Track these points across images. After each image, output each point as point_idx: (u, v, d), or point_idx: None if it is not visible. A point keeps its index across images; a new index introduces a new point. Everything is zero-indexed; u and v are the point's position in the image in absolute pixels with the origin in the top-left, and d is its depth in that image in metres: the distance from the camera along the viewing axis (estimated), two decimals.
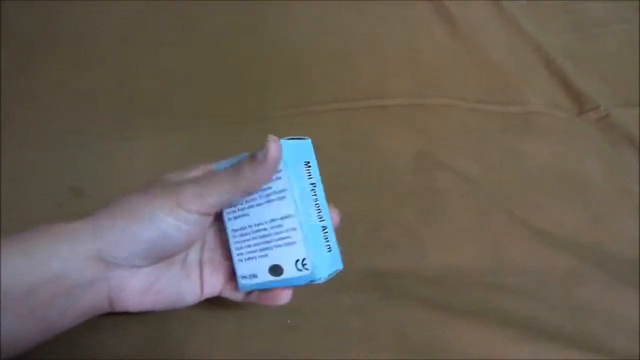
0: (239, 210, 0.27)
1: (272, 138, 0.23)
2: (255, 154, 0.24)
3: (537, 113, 0.45)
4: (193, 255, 0.28)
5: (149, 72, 0.45)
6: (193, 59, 0.46)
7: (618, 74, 0.48)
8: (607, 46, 0.50)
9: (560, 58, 0.48)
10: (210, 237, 0.29)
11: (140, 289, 0.25)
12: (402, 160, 0.41)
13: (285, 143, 0.25)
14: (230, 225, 0.28)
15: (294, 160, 0.26)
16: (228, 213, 0.27)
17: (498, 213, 0.39)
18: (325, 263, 0.26)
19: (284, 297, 0.27)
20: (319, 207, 0.26)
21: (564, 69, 0.48)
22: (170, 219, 0.24)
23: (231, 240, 0.28)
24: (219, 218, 0.28)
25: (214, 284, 0.28)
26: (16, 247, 0.22)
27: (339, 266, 0.27)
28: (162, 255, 0.25)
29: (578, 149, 0.43)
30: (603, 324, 0.34)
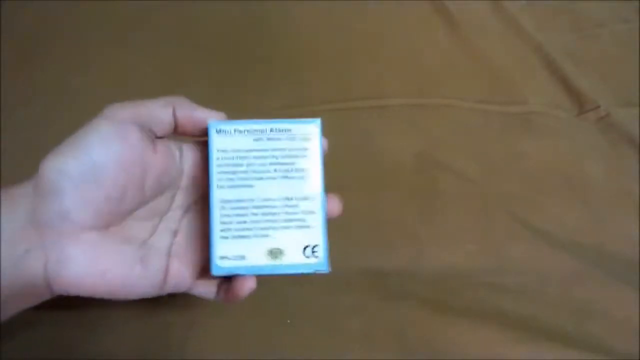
0: (239, 179, 0.24)
1: (219, 115, 0.25)
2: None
3: (537, 113, 0.45)
4: (161, 239, 0.25)
5: (149, 72, 0.45)
6: (193, 59, 0.46)
7: (618, 74, 0.48)
8: (607, 46, 0.50)
9: (560, 58, 0.48)
10: (188, 223, 0.26)
11: (82, 266, 0.21)
12: (402, 160, 0.41)
13: (318, 122, 0.25)
14: (220, 195, 0.24)
15: (322, 141, 0.25)
16: (221, 179, 0.24)
17: (498, 213, 0.39)
18: (327, 255, 0.25)
19: (249, 283, 0.24)
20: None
21: (564, 69, 0.48)
22: (94, 135, 0.21)
23: (216, 213, 0.24)
24: (202, 202, 0.26)
25: (182, 278, 0.25)
26: None
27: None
28: (99, 197, 0.21)
29: (578, 149, 0.43)
30: (603, 324, 0.34)
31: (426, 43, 0.49)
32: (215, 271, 0.24)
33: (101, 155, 0.21)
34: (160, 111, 0.24)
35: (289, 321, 0.33)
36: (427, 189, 0.40)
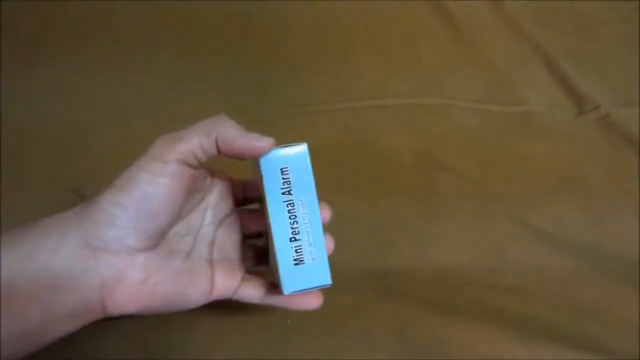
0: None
1: (270, 141, 0.25)
2: (252, 133, 0.25)
3: (537, 113, 0.45)
4: (200, 251, 0.28)
5: (149, 72, 0.45)
6: (193, 59, 0.46)
7: (618, 74, 0.48)
8: (607, 46, 0.50)
9: (560, 58, 0.48)
10: (223, 234, 0.29)
11: (136, 281, 0.24)
12: (402, 161, 0.41)
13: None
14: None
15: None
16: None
17: (498, 213, 0.39)
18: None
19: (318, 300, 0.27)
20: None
21: (564, 69, 0.48)
22: (145, 174, 0.23)
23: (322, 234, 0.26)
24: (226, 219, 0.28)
25: (227, 284, 0.27)
26: (3, 241, 0.21)
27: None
28: (151, 225, 0.24)
29: (578, 149, 0.43)
30: (603, 324, 0.34)
31: (426, 43, 0.49)
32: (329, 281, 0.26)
33: (151, 191, 0.23)
34: (203, 142, 0.24)
35: (289, 321, 0.33)
36: (427, 189, 0.40)
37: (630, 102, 0.46)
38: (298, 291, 0.25)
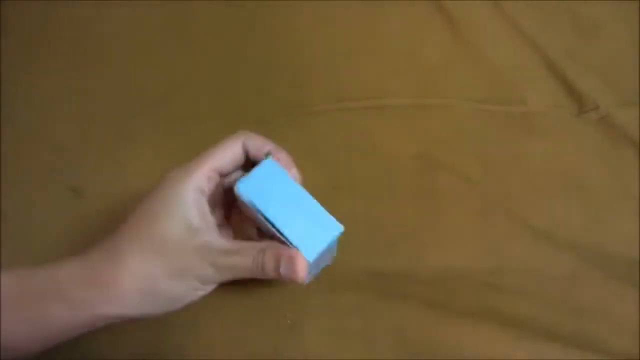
0: None
1: (300, 258, 0.25)
2: (281, 264, 0.26)
3: (537, 113, 0.45)
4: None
5: (149, 72, 0.45)
6: (193, 59, 0.46)
7: (618, 74, 0.48)
8: (607, 46, 0.50)
9: (560, 58, 0.48)
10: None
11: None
12: (402, 160, 0.41)
13: None
14: None
15: None
16: None
17: (498, 213, 0.39)
18: None
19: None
20: None
21: (564, 69, 0.47)
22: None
23: None
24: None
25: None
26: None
27: None
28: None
29: (578, 149, 0.43)
30: (603, 324, 0.34)
31: (426, 43, 0.49)
32: None
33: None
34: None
35: (289, 321, 0.33)
36: (427, 189, 0.40)
37: (630, 102, 0.46)
38: (320, 252, 0.26)
